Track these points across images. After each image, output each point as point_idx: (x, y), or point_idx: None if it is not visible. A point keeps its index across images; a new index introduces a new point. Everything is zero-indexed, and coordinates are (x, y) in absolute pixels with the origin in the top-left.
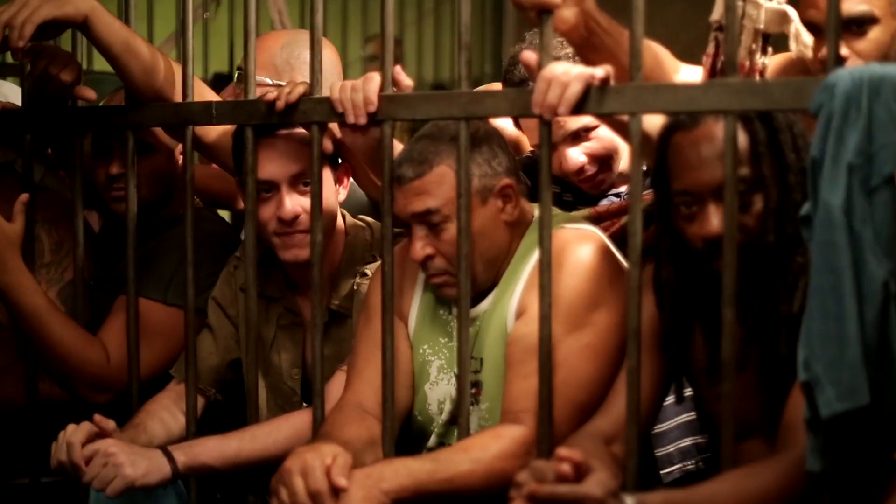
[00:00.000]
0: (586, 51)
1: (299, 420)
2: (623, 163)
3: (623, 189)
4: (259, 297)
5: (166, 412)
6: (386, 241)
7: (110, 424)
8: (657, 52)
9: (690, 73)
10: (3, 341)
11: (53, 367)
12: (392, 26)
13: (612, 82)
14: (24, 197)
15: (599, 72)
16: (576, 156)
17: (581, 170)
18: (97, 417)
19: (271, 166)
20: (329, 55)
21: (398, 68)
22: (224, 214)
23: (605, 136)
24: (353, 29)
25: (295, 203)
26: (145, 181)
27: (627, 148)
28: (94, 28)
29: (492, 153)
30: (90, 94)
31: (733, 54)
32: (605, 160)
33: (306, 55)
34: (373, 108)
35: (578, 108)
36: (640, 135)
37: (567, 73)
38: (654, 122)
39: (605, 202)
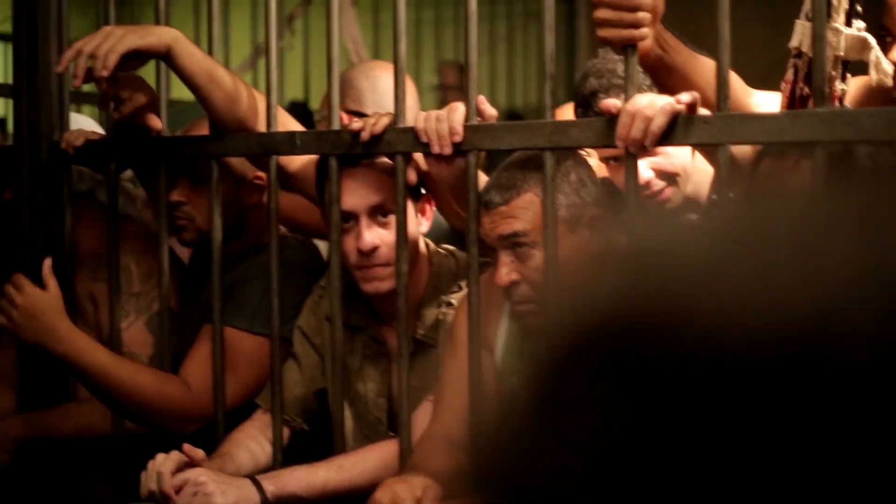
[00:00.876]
0: (660, 73)
1: (385, 450)
2: (690, 186)
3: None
4: (344, 327)
5: (253, 441)
6: (472, 271)
7: (199, 454)
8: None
9: (764, 99)
10: None
11: (135, 413)
12: (475, 55)
13: (698, 108)
14: (49, 262)
15: (685, 97)
16: (642, 169)
17: (647, 184)
18: (186, 447)
19: (350, 197)
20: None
21: (482, 98)
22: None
23: (673, 152)
24: (427, 57)
25: (374, 235)
26: (203, 212)
27: (696, 171)
28: (177, 58)
29: (580, 183)
30: (156, 122)
31: (821, 83)
32: (671, 176)
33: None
34: (458, 138)
35: (664, 140)
36: (727, 165)
37: (652, 106)
38: (744, 149)
39: None
